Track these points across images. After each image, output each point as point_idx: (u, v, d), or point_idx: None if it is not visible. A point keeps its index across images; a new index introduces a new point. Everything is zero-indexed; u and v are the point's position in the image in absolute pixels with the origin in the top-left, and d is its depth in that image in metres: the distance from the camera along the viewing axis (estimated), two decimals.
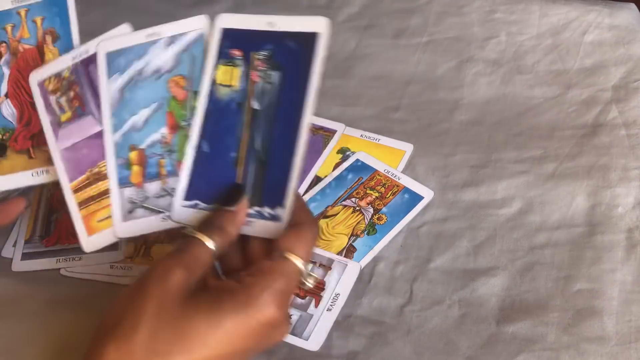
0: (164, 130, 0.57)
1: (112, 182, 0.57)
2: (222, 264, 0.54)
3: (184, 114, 0.57)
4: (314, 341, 0.61)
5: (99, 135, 0.58)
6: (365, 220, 0.70)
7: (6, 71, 0.61)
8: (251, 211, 0.54)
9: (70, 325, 0.60)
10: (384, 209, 0.70)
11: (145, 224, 0.57)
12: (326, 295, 0.64)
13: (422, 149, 0.76)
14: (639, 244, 0.65)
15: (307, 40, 0.55)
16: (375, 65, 0.86)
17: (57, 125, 0.59)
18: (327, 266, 0.66)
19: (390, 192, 0.72)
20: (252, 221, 0.54)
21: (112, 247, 0.68)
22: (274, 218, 0.54)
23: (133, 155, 0.57)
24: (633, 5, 0.88)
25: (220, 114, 0.56)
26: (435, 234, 0.69)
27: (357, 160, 0.75)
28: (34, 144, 0.60)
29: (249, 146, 0.56)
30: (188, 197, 0.56)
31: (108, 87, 0.58)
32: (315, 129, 0.78)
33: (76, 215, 0.58)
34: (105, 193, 0.57)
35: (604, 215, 0.68)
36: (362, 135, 0.78)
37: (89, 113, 0.58)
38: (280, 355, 0.60)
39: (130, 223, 0.57)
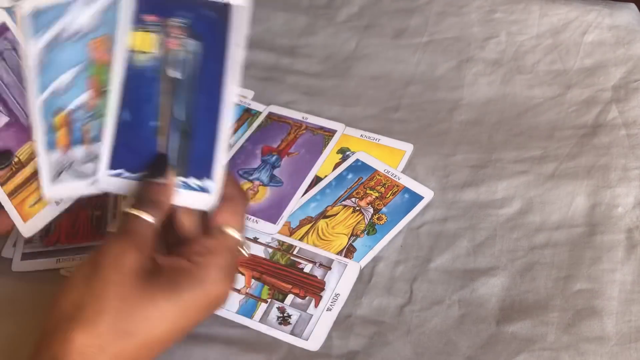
0: (87, 94, 0.56)
1: (39, 146, 0.57)
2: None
3: (108, 78, 0.56)
4: (313, 341, 0.61)
5: (9, 125, 0.58)
6: (365, 220, 0.70)
7: None
8: (177, 181, 0.55)
9: None
10: (384, 209, 0.71)
11: (73, 188, 0.57)
12: (326, 295, 0.64)
13: (422, 149, 0.76)
14: (639, 244, 0.65)
15: (224, 10, 0.54)
16: (375, 65, 0.86)
17: None
18: (327, 266, 0.66)
19: (390, 192, 0.72)
20: (179, 192, 0.55)
21: None
22: (201, 189, 0.55)
23: (58, 119, 0.56)
24: (633, 5, 0.88)
25: (139, 81, 0.55)
26: (435, 234, 0.69)
27: (357, 160, 0.75)
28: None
29: (171, 116, 0.55)
30: (113, 166, 0.56)
31: (30, 49, 0.56)
32: (315, 129, 0.78)
33: (8, 206, 0.58)
34: (30, 178, 0.58)
35: (604, 215, 0.68)
36: (362, 135, 0.78)
37: None
38: (280, 355, 0.60)
39: (58, 186, 0.57)
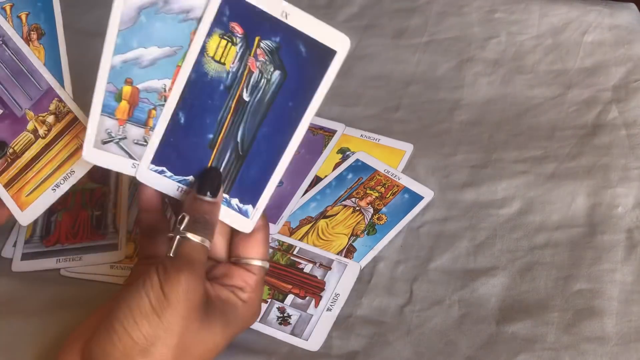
0: (168, 82, 0.53)
1: (94, 105, 0.53)
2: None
3: None
4: (313, 341, 0.61)
5: (3, 117, 0.58)
6: (365, 220, 0.70)
7: None
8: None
9: (70, 325, 0.60)
10: (384, 209, 0.70)
11: (114, 160, 0.54)
12: (326, 295, 0.64)
13: (422, 149, 0.76)
14: (639, 244, 0.65)
15: (321, 52, 0.52)
16: (375, 65, 0.86)
17: None
18: (327, 266, 0.66)
19: (390, 192, 0.72)
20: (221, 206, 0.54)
21: (112, 247, 0.68)
22: (241, 212, 0.54)
23: (126, 89, 0.53)
24: (633, 5, 0.88)
25: (204, 89, 0.53)
26: (435, 234, 0.69)
27: (357, 160, 0.75)
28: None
29: (229, 134, 0.54)
30: (156, 161, 0.54)
31: None
32: (315, 129, 0.78)
33: (5, 196, 0.58)
34: (25, 168, 0.58)
35: (604, 215, 0.68)
36: (362, 135, 0.78)
37: None
38: (280, 355, 0.60)
39: (100, 153, 0.54)
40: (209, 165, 0.54)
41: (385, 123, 0.79)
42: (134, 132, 0.54)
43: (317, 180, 0.74)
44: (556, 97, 0.80)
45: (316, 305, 0.64)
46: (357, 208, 0.71)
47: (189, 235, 0.52)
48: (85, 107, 0.59)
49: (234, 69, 0.53)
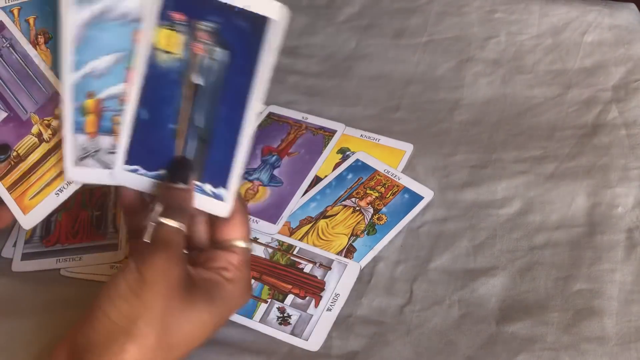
0: (123, 86, 0.55)
1: (65, 124, 0.55)
2: None
3: None
4: (313, 341, 0.61)
5: (8, 120, 0.58)
6: (365, 220, 0.70)
7: None
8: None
9: (70, 325, 0.60)
10: (384, 209, 0.71)
11: (94, 174, 0.56)
12: (326, 295, 0.64)
13: (422, 149, 0.76)
14: (639, 244, 0.65)
15: (257, 23, 0.52)
16: (375, 65, 0.86)
17: None
18: (327, 266, 0.66)
19: (390, 192, 0.72)
20: (196, 195, 0.55)
21: (112, 247, 0.68)
22: (216, 197, 0.55)
23: (89, 102, 0.55)
24: (633, 5, 0.88)
25: (160, 82, 0.54)
26: (435, 234, 0.69)
27: (357, 160, 0.75)
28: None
29: (189, 120, 0.55)
30: (129, 161, 0.55)
31: (69, 19, 0.53)
32: (315, 129, 0.78)
33: (8, 199, 0.58)
34: (29, 172, 0.58)
35: (604, 215, 0.68)
36: (362, 135, 0.78)
37: None
38: (280, 355, 0.60)
39: (81, 170, 0.56)
40: (176, 154, 0.55)
41: (385, 123, 0.79)
42: (105, 141, 0.56)
43: (317, 180, 0.74)
44: (556, 97, 0.80)
45: (316, 305, 0.64)
46: (357, 208, 0.71)
47: (163, 220, 0.53)
48: None
49: (183, 57, 0.54)
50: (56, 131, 0.59)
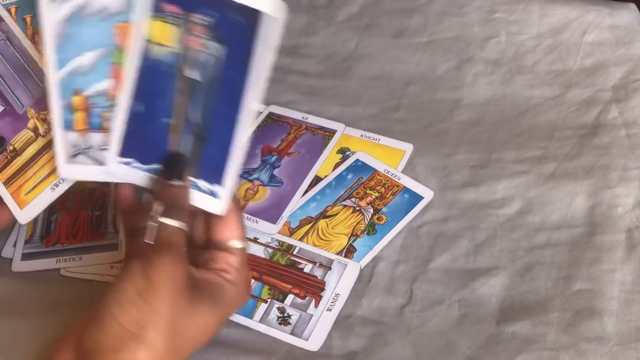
0: (110, 82, 0.54)
1: (54, 123, 0.55)
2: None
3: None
4: (313, 341, 0.61)
5: (4, 114, 0.58)
6: (365, 220, 0.70)
7: None
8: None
9: (70, 325, 0.60)
10: (384, 209, 0.71)
11: (87, 171, 0.56)
12: (326, 295, 0.64)
13: (422, 149, 0.76)
14: (639, 244, 0.65)
15: (253, 17, 0.52)
16: (375, 65, 0.86)
17: None
18: (327, 266, 0.66)
19: (390, 192, 0.72)
20: (191, 191, 0.55)
21: (112, 247, 0.68)
22: (211, 194, 0.55)
23: (77, 100, 0.54)
24: (633, 5, 0.88)
25: (154, 75, 0.53)
26: (435, 234, 0.69)
27: (357, 160, 0.75)
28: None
29: (184, 115, 0.54)
30: (123, 154, 0.55)
31: (47, 17, 0.53)
32: (315, 129, 0.78)
33: (4, 194, 0.58)
34: (25, 166, 0.58)
35: (604, 215, 0.68)
36: (362, 135, 0.78)
37: None
38: (280, 355, 0.60)
39: (73, 167, 0.56)
40: (171, 149, 0.55)
41: (385, 123, 0.79)
42: (96, 138, 0.55)
43: (317, 180, 0.74)
44: (556, 97, 0.80)
45: (316, 305, 0.64)
46: (357, 208, 0.71)
47: (164, 220, 0.52)
48: None
49: (177, 50, 0.53)
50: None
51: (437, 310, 0.63)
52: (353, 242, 0.68)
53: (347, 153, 0.76)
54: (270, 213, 0.71)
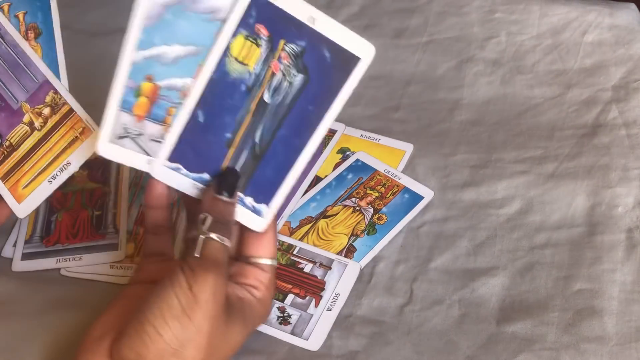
0: (189, 81, 0.53)
1: (112, 99, 0.53)
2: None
3: None
4: (314, 341, 0.61)
5: (1, 109, 0.58)
6: (365, 220, 0.70)
7: None
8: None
9: (70, 325, 0.60)
10: (384, 209, 0.71)
11: (128, 156, 0.54)
12: (326, 295, 0.64)
13: (422, 149, 0.76)
14: (639, 244, 0.65)
15: (345, 59, 0.52)
16: (375, 65, 0.86)
17: None
18: (327, 266, 0.66)
19: (390, 192, 0.72)
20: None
21: (112, 247, 0.68)
22: (255, 211, 0.55)
23: (146, 86, 0.53)
24: (633, 5, 0.88)
25: (225, 89, 0.53)
26: (435, 234, 0.69)
27: (357, 160, 0.75)
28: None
29: (247, 134, 0.54)
30: (172, 158, 0.54)
31: None
32: None
33: (2, 188, 0.58)
34: (22, 160, 0.58)
35: (604, 215, 0.68)
36: (362, 135, 0.78)
37: None
38: (280, 355, 0.60)
39: (115, 148, 0.54)
40: (226, 164, 0.54)
41: (385, 123, 0.79)
42: (152, 129, 0.54)
43: (317, 180, 0.74)
44: (556, 97, 0.80)
45: (316, 305, 0.64)
46: (357, 208, 0.71)
47: (212, 235, 0.52)
48: (84, 106, 0.60)
49: (257, 71, 0.53)
50: (47, 119, 0.59)
51: (437, 310, 0.63)
52: (353, 242, 0.68)
53: (347, 153, 0.76)
54: None
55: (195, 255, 0.51)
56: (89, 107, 0.60)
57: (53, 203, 0.71)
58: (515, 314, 0.62)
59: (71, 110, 0.59)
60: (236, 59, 0.52)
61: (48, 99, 0.58)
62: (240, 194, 0.55)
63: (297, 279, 0.66)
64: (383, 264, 0.67)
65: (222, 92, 0.53)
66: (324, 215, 0.70)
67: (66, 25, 0.62)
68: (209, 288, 0.50)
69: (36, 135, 0.58)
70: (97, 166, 0.73)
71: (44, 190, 0.59)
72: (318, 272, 0.66)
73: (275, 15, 0.51)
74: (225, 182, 0.54)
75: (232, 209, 0.54)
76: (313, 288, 0.65)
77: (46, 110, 0.58)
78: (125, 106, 0.53)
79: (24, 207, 0.58)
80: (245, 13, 0.51)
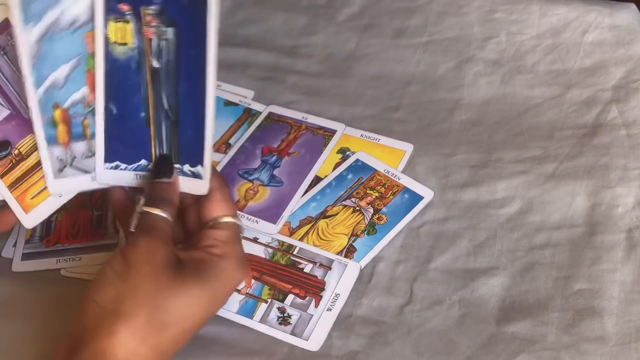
0: (85, 89, 0.56)
1: (39, 141, 0.57)
2: None
3: None
4: (314, 341, 0.61)
5: (11, 118, 0.58)
6: (365, 220, 0.70)
7: None
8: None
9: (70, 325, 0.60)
10: (384, 209, 0.71)
11: (76, 183, 0.58)
12: (326, 295, 0.64)
13: (422, 149, 0.76)
14: (639, 244, 0.65)
15: None
16: (375, 65, 0.86)
17: None
18: (327, 266, 0.66)
19: (390, 192, 0.72)
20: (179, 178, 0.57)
21: (112, 247, 0.68)
22: (194, 175, 0.56)
23: (57, 113, 0.56)
24: (633, 5, 0.88)
25: (121, 74, 0.55)
26: (435, 234, 0.69)
27: (357, 160, 0.75)
28: None
29: (157, 105, 0.56)
30: (108, 159, 0.57)
31: (25, 37, 0.54)
32: (315, 129, 0.78)
33: (9, 197, 0.58)
34: (31, 170, 0.58)
35: (604, 215, 0.68)
36: (362, 135, 0.78)
37: None
38: (280, 355, 0.60)
39: (62, 181, 0.57)
40: (153, 142, 0.57)
41: (385, 123, 0.79)
42: (79, 147, 0.57)
43: (317, 180, 0.74)
44: (556, 97, 0.80)
45: (316, 305, 0.64)
46: (357, 208, 0.71)
47: (147, 209, 0.54)
48: None
49: (136, 44, 0.55)
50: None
51: (437, 310, 0.63)
52: (353, 242, 0.68)
53: (347, 153, 0.76)
54: (271, 213, 0.71)
55: (131, 230, 0.54)
56: None
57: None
58: (515, 314, 0.62)
59: None
60: (117, 43, 0.55)
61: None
62: (177, 165, 0.57)
63: (297, 279, 0.66)
64: (383, 264, 0.67)
65: (119, 78, 0.55)
66: (324, 215, 0.70)
67: None
68: (142, 250, 0.52)
69: None
70: None
71: (53, 202, 0.59)
72: (318, 273, 0.66)
73: None
74: (160, 168, 0.57)
75: (171, 187, 0.56)
76: (313, 288, 0.65)
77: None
78: (51, 141, 0.57)
79: (31, 217, 0.59)
80: (105, 2, 0.54)
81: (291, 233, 0.69)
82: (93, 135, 0.57)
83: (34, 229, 0.70)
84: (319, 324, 0.62)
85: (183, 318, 0.52)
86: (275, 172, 0.74)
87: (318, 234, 0.69)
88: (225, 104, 0.82)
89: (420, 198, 0.71)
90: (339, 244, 0.68)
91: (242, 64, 0.86)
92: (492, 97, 0.81)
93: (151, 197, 0.55)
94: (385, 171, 0.74)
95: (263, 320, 0.63)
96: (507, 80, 0.82)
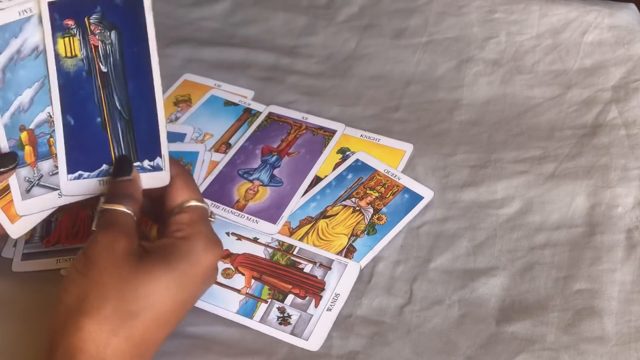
0: (50, 109, 0.58)
1: None
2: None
3: None
4: (313, 341, 0.61)
5: None
6: (365, 220, 0.70)
7: None
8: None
9: None
10: (384, 209, 0.71)
11: (44, 201, 0.59)
12: (326, 295, 0.64)
13: (422, 149, 0.76)
14: (639, 244, 0.65)
15: None
16: (375, 65, 0.86)
17: None
18: (327, 266, 0.66)
19: (390, 192, 0.72)
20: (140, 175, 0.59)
21: None
22: (155, 169, 0.59)
23: (23, 136, 0.58)
24: (633, 5, 0.88)
25: (74, 85, 0.58)
26: (435, 234, 0.69)
27: (357, 160, 0.75)
28: None
29: (110, 107, 0.58)
30: (70, 170, 0.58)
31: None
32: (315, 129, 0.78)
33: None
34: None
35: (603, 215, 0.68)
36: (362, 135, 0.78)
37: None
38: (280, 355, 0.60)
39: (29, 201, 0.58)
40: (111, 145, 0.58)
41: (385, 123, 0.79)
42: (46, 166, 0.58)
43: (317, 180, 0.74)
44: (556, 97, 0.80)
45: (316, 305, 0.64)
46: (357, 208, 0.71)
47: (106, 206, 0.55)
48: None
49: (85, 54, 0.58)
50: None
51: (437, 310, 0.63)
52: (353, 242, 0.68)
53: (347, 153, 0.76)
54: (270, 213, 0.71)
55: (92, 229, 0.54)
56: None
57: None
58: (515, 314, 0.62)
59: None
60: (67, 57, 0.58)
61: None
62: (137, 163, 0.58)
63: (297, 279, 0.66)
64: (383, 264, 0.67)
65: (72, 89, 0.58)
66: (323, 215, 0.70)
67: None
68: (100, 245, 0.52)
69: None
70: None
71: (38, 214, 0.59)
72: (318, 273, 0.66)
73: (69, 4, 0.57)
74: (119, 168, 0.58)
75: (132, 184, 0.57)
76: (313, 288, 0.65)
77: None
78: (19, 163, 0.58)
79: (18, 227, 0.59)
80: (51, 22, 0.57)
81: (291, 233, 0.69)
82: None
83: (34, 229, 0.70)
84: (319, 324, 0.62)
85: (152, 304, 0.52)
86: (275, 172, 0.74)
87: (318, 234, 0.69)
88: (225, 104, 0.82)
89: (420, 198, 0.71)
90: (339, 244, 0.68)
91: (242, 64, 0.86)
92: (492, 97, 0.81)
93: (111, 195, 0.56)
94: (385, 171, 0.74)
95: (263, 320, 0.63)
96: (507, 80, 0.82)
